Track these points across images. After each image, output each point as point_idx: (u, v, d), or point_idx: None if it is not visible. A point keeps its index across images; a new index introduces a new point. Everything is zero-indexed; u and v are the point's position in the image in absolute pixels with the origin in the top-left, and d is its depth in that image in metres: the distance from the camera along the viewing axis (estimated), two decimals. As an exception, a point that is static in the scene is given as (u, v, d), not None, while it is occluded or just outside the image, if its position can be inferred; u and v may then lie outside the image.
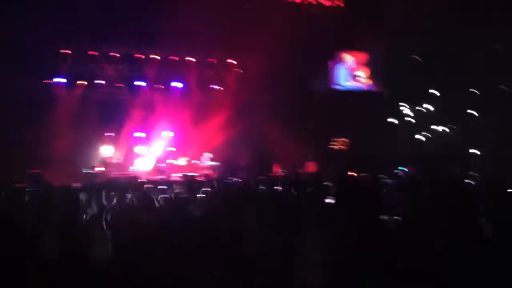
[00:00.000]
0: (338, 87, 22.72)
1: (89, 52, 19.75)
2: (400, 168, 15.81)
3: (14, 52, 16.95)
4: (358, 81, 23.08)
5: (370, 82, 23.11)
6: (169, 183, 13.79)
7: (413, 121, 22.28)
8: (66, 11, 17.84)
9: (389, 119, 22.14)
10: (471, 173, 12.65)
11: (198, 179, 14.19)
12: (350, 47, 22.69)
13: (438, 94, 21.55)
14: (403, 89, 21.38)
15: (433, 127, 21.62)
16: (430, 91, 21.68)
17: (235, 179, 14.70)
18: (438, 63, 19.99)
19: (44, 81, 18.95)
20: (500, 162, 15.60)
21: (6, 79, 16.54)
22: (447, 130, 21.46)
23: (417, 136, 21.70)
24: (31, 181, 14.46)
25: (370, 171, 14.32)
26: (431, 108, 21.70)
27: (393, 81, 22.18)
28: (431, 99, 21.72)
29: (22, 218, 6.09)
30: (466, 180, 10.10)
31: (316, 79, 21.94)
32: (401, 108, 22.63)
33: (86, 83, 20.03)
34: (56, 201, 7.93)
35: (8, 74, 16.62)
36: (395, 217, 5.33)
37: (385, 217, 5.39)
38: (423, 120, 21.94)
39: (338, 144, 22.54)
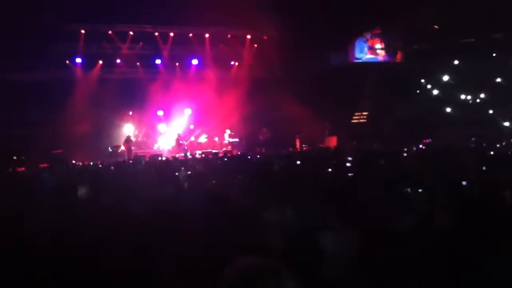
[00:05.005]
0: (356, 60, 22.47)
1: (104, 32, 19.77)
2: (423, 139, 15.76)
3: (31, 33, 17.04)
4: (375, 53, 22.78)
5: (387, 53, 22.79)
6: (192, 160, 13.90)
7: (435, 91, 22.00)
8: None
9: (409, 90, 21.87)
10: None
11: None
12: (370, 21, 22.23)
13: (457, 63, 21.17)
14: (423, 59, 21.03)
15: (457, 96, 21.35)
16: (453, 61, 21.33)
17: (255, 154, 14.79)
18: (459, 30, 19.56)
19: (61, 62, 19.07)
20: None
21: (24, 61, 16.74)
22: (472, 99, 21.18)
23: (439, 107, 21.43)
24: (54, 161, 14.82)
25: (390, 144, 14.35)
26: (454, 78, 21.39)
27: (411, 51, 21.86)
28: (453, 69, 21.37)
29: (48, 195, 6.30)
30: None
31: (334, 53, 21.67)
32: (421, 79, 22.35)
33: (101, 63, 20.16)
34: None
35: (25, 56, 16.80)
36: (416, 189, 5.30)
37: (408, 189, 5.38)
38: (446, 90, 21.65)
39: (358, 117, 22.42)
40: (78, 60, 19.62)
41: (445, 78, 21.72)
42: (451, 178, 5.74)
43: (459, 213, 3.98)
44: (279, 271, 1.77)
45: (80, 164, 14.37)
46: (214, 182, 6.88)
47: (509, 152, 9.96)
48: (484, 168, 7.07)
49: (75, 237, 4.10)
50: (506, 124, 19.58)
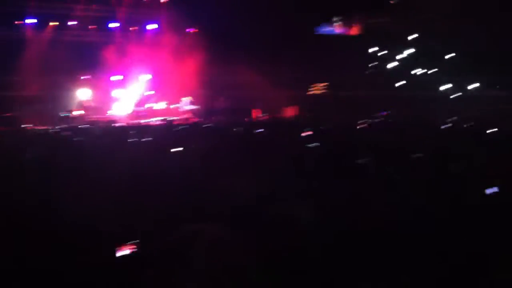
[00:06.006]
0: (315, 31, 22.52)
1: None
2: (379, 111, 16.01)
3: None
4: (334, 25, 22.85)
5: (344, 25, 22.89)
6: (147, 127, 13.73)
7: (393, 64, 22.35)
8: None
9: (365, 63, 22.12)
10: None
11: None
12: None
13: (415, 36, 21.53)
14: (382, 33, 21.25)
15: (412, 70, 21.77)
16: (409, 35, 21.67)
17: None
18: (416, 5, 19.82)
19: (13, 22, 18.27)
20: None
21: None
22: (426, 72, 21.64)
23: (396, 79, 21.82)
24: (3, 125, 14.32)
25: (346, 115, 14.56)
26: (410, 51, 21.77)
27: (369, 24, 22.03)
28: (410, 42, 21.72)
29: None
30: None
31: (293, 24, 21.56)
32: (379, 52, 22.61)
33: (56, 24, 19.36)
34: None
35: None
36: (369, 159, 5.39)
37: (361, 160, 5.47)
38: (402, 63, 22.04)
39: (317, 88, 22.55)
40: (29, 20, 18.74)
41: (400, 52, 22.09)
42: (404, 150, 5.91)
43: (411, 184, 4.10)
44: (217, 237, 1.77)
45: (33, 128, 13.95)
46: (171, 150, 6.83)
47: (464, 125, 10.28)
48: (436, 140, 7.28)
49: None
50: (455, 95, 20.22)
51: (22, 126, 14.84)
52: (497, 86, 19.25)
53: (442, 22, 19.55)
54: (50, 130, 12.26)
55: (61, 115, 18.00)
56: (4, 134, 11.62)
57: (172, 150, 6.82)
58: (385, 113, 15.82)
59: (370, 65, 22.36)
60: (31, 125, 15.17)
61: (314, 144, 6.85)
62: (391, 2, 20.91)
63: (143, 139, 8.75)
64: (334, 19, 22.75)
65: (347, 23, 22.85)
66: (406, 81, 21.70)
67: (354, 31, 22.89)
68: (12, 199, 4.22)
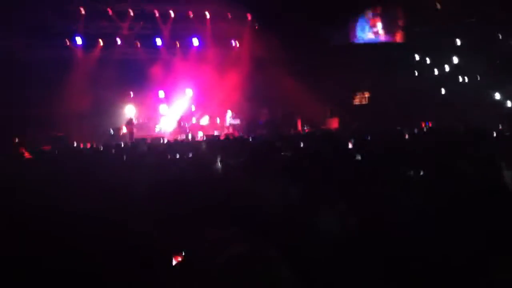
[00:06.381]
0: (357, 40, 22.34)
1: (104, 11, 19.62)
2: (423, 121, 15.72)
3: (31, 12, 16.95)
4: (376, 33, 22.58)
5: (387, 33, 22.59)
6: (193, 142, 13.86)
7: (436, 72, 21.88)
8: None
9: (409, 71, 21.74)
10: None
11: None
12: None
13: (460, 43, 21.00)
14: (424, 39, 20.84)
15: (457, 77, 21.24)
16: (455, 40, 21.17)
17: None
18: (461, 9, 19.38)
19: (61, 41, 18.97)
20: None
21: (23, 40, 16.61)
22: (469, 80, 21.08)
23: (439, 88, 21.31)
24: (56, 144, 14.76)
25: (391, 125, 14.32)
26: (454, 59, 21.25)
27: (412, 31, 21.68)
28: (454, 49, 21.20)
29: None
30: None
31: (335, 33, 21.46)
32: (422, 59, 22.19)
33: (102, 43, 19.99)
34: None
35: (24, 35, 16.67)
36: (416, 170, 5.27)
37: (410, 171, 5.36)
38: (446, 71, 21.55)
39: (359, 98, 22.32)
40: (78, 39, 19.43)
41: (446, 59, 21.59)
42: (454, 161, 5.73)
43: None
44: (273, 259, 1.75)
45: (82, 146, 14.32)
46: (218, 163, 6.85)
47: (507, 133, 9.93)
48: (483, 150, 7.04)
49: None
50: (509, 105, 19.57)
51: (71, 143, 15.28)
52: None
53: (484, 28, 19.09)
54: (98, 147, 12.56)
55: (110, 131, 18.44)
56: (52, 152, 11.98)
57: (218, 164, 6.85)
58: (429, 123, 15.50)
59: (412, 73, 21.96)
60: (79, 142, 15.62)
61: (357, 156, 6.74)
62: (437, 7, 20.46)
63: (187, 155, 8.84)
64: (377, 26, 22.51)
65: (390, 30, 22.56)
66: (449, 88, 21.17)
67: (397, 37, 22.58)
68: (56, 212, 4.31)
